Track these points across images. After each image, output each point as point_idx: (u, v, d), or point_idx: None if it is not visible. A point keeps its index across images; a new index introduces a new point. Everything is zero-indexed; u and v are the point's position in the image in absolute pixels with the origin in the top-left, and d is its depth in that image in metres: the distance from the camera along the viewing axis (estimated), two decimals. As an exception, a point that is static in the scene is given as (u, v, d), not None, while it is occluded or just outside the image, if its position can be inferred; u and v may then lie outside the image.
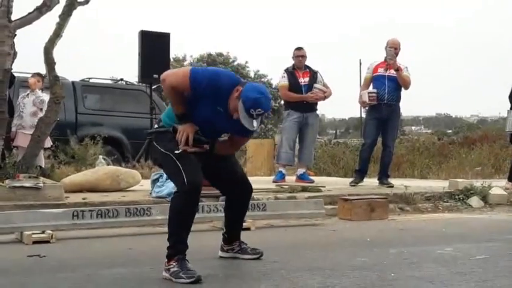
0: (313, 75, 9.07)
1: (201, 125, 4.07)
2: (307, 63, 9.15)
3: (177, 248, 3.91)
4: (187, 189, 3.94)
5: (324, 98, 9.08)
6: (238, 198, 4.49)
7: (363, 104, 9.00)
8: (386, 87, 8.63)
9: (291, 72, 9.05)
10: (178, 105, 4.07)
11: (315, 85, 8.97)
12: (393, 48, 8.68)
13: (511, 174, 9.07)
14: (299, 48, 9.15)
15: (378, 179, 8.86)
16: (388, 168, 8.94)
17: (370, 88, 8.80)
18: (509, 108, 9.06)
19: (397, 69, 8.58)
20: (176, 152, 4.01)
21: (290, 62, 9.19)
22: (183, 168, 3.98)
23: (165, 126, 4.20)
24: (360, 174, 8.88)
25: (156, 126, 4.37)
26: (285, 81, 9.05)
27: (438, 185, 8.87)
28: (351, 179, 9.15)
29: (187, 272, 3.77)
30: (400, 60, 8.73)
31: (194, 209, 4.04)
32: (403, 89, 8.77)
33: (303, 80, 9.01)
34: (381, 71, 8.74)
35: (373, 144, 8.94)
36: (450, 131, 34.57)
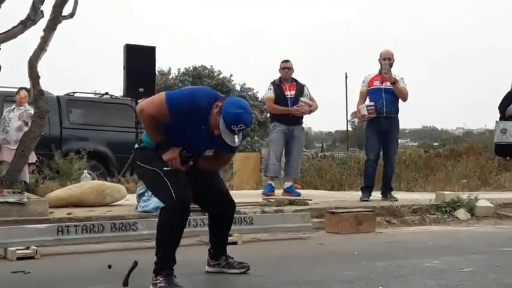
0: (300, 88, 9.03)
1: (186, 145, 4.06)
2: (294, 76, 9.12)
3: (164, 263, 3.90)
4: (176, 204, 3.92)
5: (310, 111, 9.02)
6: (222, 215, 4.45)
7: (362, 118, 8.85)
8: (383, 100, 8.53)
9: (277, 85, 9.01)
10: (156, 134, 4.08)
11: (301, 98, 8.91)
12: (387, 59, 8.63)
13: None
14: (285, 61, 9.12)
15: (381, 193, 8.75)
16: (390, 181, 8.85)
17: (367, 101, 8.72)
18: (497, 119, 9.04)
19: (394, 82, 8.50)
20: (165, 168, 4.00)
21: (277, 75, 9.16)
22: (171, 183, 3.96)
23: (147, 147, 4.19)
24: (368, 190, 8.66)
25: (137, 146, 4.34)
26: (271, 94, 9.01)
27: (425, 197, 8.87)
28: (337, 192, 9.11)
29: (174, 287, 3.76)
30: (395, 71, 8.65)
31: (183, 224, 4.01)
32: (400, 100, 8.72)
33: (289, 93, 8.96)
34: (376, 83, 8.63)
35: (377, 159, 8.77)
36: (436, 143, 34.68)
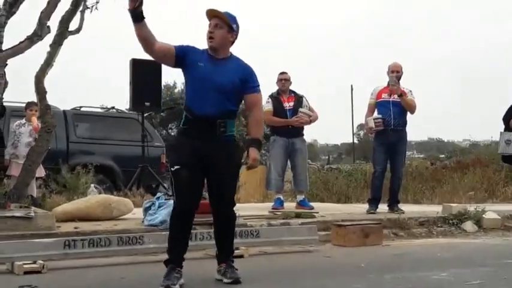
0: (298, 99, 8.95)
1: (203, 86, 4.47)
2: (292, 87, 9.08)
3: (169, 257, 4.45)
4: (176, 212, 4.46)
5: (310, 122, 8.94)
6: (218, 218, 4.72)
7: (369, 130, 8.87)
8: (391, 112, 8.53)
9: (275, 97, 8.94)
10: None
11: (300, 109, 8.83)
12: (395, 72, 8.64)
13: None
14: (283, 73, 9.05)
15: (388, 206, 8.72)
16: (397, 194, 8.82)
17: (375, 114, 8.72)
18: (502, 130, 9.03)
19: (401, 95, 8.50)
20: (172, 168, 4.39)
21: (275, 88, 9.13)
22: (176, 189, 4.41)
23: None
24: (375, 202, 8.65)
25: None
26: (269, 107, 8.92)
27: (432, 209, 8.84)
28: (344, 205, 9.08)
29: (166, 280, 4.26)
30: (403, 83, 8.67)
31: (182, 230, 4.49)
32: (408, 113, 8.71)
33: (288, 105, 8.89)
34: (384, 96, 8.64)
35: (384, 171, 8.76)
36: (443, 155, 34.61)
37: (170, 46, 4.50)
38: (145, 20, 4.30)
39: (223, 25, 4.53)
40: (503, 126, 9.01)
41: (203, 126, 4.49)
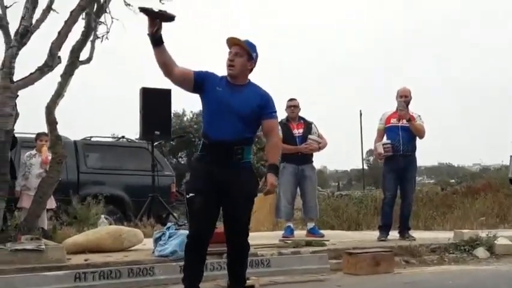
0: (308, 126, 8.99)
1: (220, 111, 4.49)
2: (301, 114, 9.11)
3: (185, 286, 4.51)
4: (191, 240, 4.49)
5: (319, 149, 8.95)
6: (232, 247, 4.71)
7: (378, 156, 8.88)
8: (400, 138, 8.54)
9: (284, 124, 8.94)
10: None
11: (310, 136, 8.86)
12: (403, 97, 8.65)
13: None
14: (292, 99, 9.09)
15: (399, 232, 8.68)
16: (408, 220, 8.78)
17: (384, 139, 8.73)
18: (511, 154, 9.01)
19: (409, 120, 8.51)
20: (187, 196, 4.42)
21: (284, 114, 9.15)
22: (190, 216, 4.47)
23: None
24: (385, 229, 8.63)
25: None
26: (279, 134, 8.97)
27: (443, 236, 8.80)
28: (355, 232, 9.04)
29: None
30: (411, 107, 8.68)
31: (197, 258, 4.52)
32: (417, 138, 8.70)
33: (297, 132, 8.92)
34: (393, 121, 8.66)
35: (394, 197, 8.73)
36: (453, 180, 34.48)
37: (189, 71, 4.55)
38: (164, 44, 4.35)
39: (244, 53, 4.59)
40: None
41: (220, 152, 4.51)
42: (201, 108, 4.70)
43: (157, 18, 4.27)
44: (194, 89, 4.57)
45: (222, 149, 4.49)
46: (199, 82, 4.52)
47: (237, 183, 4.51)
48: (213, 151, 4.51)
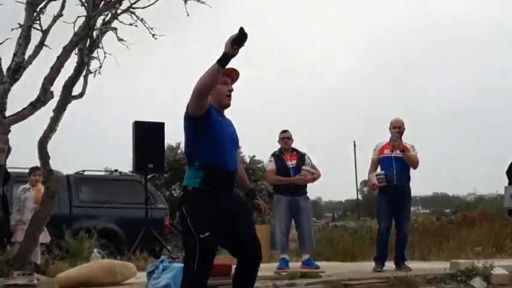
0: (301, 157, 8.98)
1: (225, 141, 4.41)
2: (294, 145, 9.10)
3: None
4: (197, 281, 4.25)
5: (313, 179, 8.93)
6: (246, 258, 4.56)
7: (372, 186, 8.86)
8: (394, 168, 8.51)
9: (277, 156, 8.96)
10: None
11: (303, 167, 8.85)
12: (397, 128, 8.66)
13: None
14: (284, 131, 9.10)
15: (395, 263, 8.61)
16: (404, 251, 8.72)
17: (378, 170, 8.71)
18: (507, 184, 9.01)
19: (403, 150, 8.50)
20: (201, 235, 4.16)
21: (277, 146, 9.13)
22: (201, 257, 4.19)
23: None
24: (381, 260, 8.55)
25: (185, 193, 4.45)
26: (272, 166, 8.96)
27: (439, 266, 8.73)
28: (350, 263, 8.98)
29: None
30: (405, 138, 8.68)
31: None
32: (411, 168, 8.68)
33: (291, 163, 8.91)
34: (387, 152, 8.64)
35: (389, 227, 8.67)
36: (448, 210, 34.48)
37: None
38: None
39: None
40: (507, 181, 9.00)
41: (227, 182, 4.45)
42: (190, 138, 4.54)
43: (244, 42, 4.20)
44: (203, 115, 4.38)
45: (228, 179, 4.46)
46: (208, 110, 4.41)
47: (243, 209, 4.51)
48: (220, 182, 4.39)
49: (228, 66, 4.26)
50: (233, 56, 4.13)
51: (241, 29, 4.07)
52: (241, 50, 4.13)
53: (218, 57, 4.12)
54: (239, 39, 4.08)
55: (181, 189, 4.61)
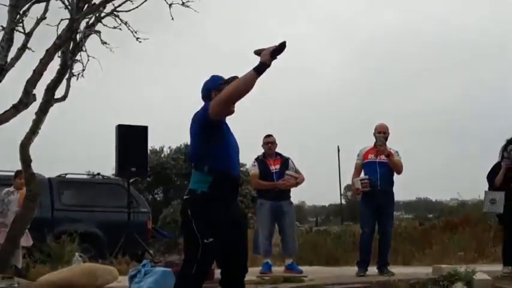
0: (284, 162, 8.95)
1: (232, 147, 4.40)
2: (278, 150, 9.07)
3: None
4: (196, 279, 4.19)
5: (296, 184, 8.90)
6: (232, 273, 4.49)
7: (356, 191, 8.83)
8: (378, 173, 8.49)
9: (261, 161, 8.94)
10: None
11: (287, 172, 8.81)
12: (382, 133, 8.64)
13: (505, 259, 8.91)
14: (268, 135, 9.07)
15: (377, 268, 8.61)
16: (387, 256, 8.70)
17: (362, 175, 8.69)
18: (486, 189, 9.04)
19: (388, 155, 8.50)
20: (205, 240, 4.13)
21: (261, 151, 9.10)
22: (203, 260, 4.15)
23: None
24: (364, 265, 8.53)
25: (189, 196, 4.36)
26: (256, 170, 8.93)
27: (422, 271, 8.75)
28: (333, 268, 8.97)
29: None
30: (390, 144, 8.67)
31: None
32: (395, 173, 8.68)
33: (274, 168, 8.88)
34: (371, 157, 8.62)
35: (372, 232, 8.66)
36: (431, 215, 34.61)
37: None
38: None
39: None
40: (487, 185, 9.03)
41: (235, 187, 4.45)
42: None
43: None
44: (220, 121, 4.36)
45: (235, 184, 4.45)
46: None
47: (243, 221, 4.53)
48: (228, 186, 4.36)
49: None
50: (269, 66, 4.11)
51: (284, 43, 4.10)
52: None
53: (254, 65, 4.09)
54: (279, 51, 4.10)
55: (186, 192, 4.38)
